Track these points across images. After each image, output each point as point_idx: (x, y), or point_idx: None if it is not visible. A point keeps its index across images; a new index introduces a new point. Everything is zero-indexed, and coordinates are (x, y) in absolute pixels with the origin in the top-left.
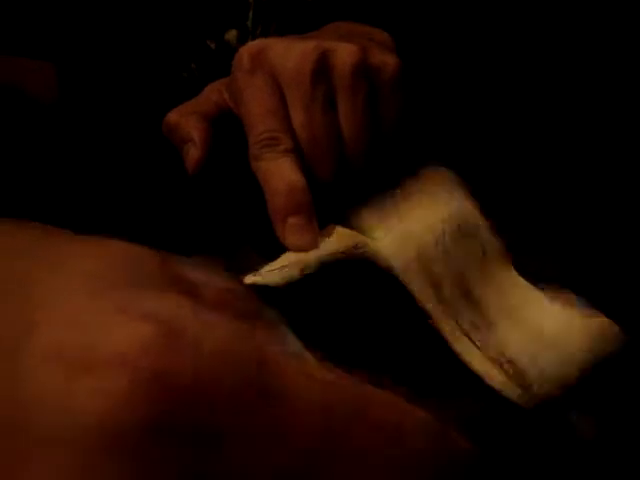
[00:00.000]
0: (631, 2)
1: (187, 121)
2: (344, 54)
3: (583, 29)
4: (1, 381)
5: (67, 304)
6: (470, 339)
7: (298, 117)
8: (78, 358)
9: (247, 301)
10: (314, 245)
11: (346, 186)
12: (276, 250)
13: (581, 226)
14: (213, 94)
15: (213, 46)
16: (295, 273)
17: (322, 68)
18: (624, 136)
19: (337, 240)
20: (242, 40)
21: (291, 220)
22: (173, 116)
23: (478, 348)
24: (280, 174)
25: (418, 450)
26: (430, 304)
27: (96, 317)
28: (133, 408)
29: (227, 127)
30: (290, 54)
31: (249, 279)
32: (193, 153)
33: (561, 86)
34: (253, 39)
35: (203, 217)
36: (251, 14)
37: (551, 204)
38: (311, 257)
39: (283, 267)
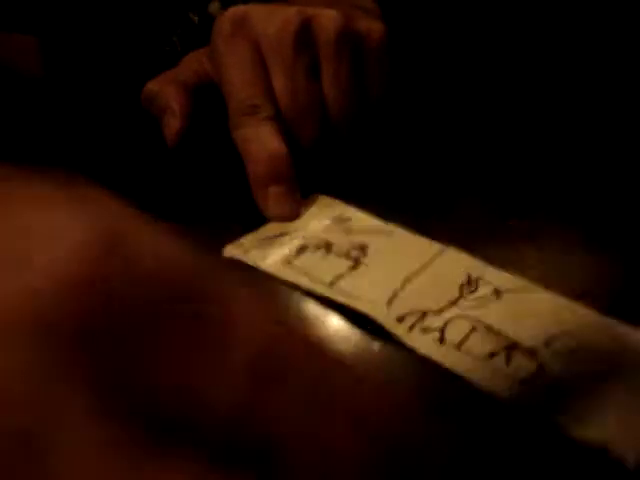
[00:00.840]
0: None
1: (166, 90)
2: (328, 20)
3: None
4: None
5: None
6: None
7: (280, 84)
8: (14, 260)
9: None
10: (296, 215)
11: (330, 153)
12: (258, 220)
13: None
14: (193, 63)
15: (196, 19)
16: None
17: (305, 34)
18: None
19: (320, 210)
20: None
21: (272, 189)
22: (152, 85)
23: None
24: (260, 142)
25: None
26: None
27: (44, 225)
28: (58, 307)
29: (207, 96)
30: (272, 20)
31: (229, 251)
32: (172, 123)
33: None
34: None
35: (184, 187)
36: None
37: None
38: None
39: (265, 240)
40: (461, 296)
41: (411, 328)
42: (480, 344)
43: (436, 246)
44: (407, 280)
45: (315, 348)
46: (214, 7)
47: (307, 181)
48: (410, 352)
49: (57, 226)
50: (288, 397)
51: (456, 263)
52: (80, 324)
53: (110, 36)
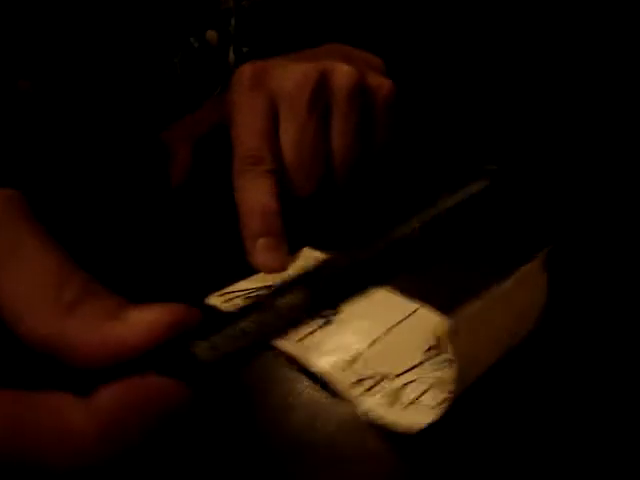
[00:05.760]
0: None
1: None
2: (343, 75)
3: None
4: None
5: None
6: None
7: (289, 138)
8: None
9: None
10: (282, 267)
11: (325, 204)
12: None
13: None
14: (210, 111)
15: (196, 44)
16: None
17: (321, 88)
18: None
19: (306, 265)
20: (222, 42)
21: (261, 241)
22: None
23: None
24: (256, 195)
25: None
26: None
27: None
28: None
29: (220, 143)
30: (290, 74)
31: (211, 299)
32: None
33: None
34: (234, 42)
35: (183, 230)
36: (233, 20)
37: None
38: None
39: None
40: (424, 360)
41: (365, 392)
42: (432, 399)
43: (409, 305)
44: (373, 342)
45: None
46: (211, 35)
47: (297, 234)
48: None
49: None
50: None
51: (425, 326)
52: None
53: (110, 56)
